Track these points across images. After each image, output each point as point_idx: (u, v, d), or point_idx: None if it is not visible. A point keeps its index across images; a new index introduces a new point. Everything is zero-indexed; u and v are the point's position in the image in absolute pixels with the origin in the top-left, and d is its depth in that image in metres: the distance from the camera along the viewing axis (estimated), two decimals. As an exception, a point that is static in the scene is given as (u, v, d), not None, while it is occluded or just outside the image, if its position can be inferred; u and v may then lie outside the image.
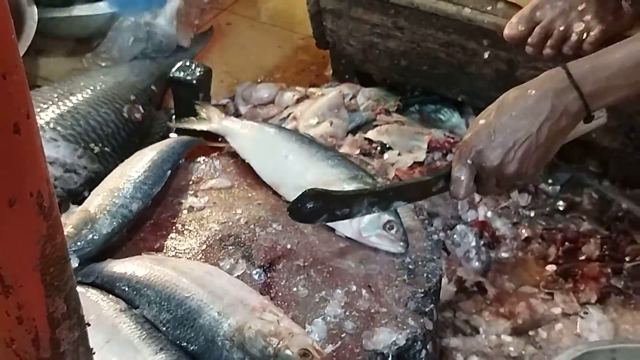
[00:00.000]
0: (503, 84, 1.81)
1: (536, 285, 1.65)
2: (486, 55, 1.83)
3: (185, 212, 1.44)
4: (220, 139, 2.02)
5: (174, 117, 2.06)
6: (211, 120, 1.72)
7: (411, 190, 1.35)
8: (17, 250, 0.71)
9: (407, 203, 1.37)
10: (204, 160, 1.60)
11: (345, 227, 1.35)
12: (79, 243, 1.32)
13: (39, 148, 0.69)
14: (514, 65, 1.81)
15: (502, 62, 1.83)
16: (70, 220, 1.36)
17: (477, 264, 1.68)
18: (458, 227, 1.72)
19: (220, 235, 1.36)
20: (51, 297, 0.76)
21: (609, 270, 1.65)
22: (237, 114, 2.13)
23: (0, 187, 0.66)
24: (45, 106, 1.82)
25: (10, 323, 0.75)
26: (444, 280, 1.54)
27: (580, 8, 1.54)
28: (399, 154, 1.89)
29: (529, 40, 1.57)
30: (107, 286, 1.27)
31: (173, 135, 1.98)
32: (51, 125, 1.76)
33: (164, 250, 1.35)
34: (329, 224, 1.36)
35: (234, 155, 1.61)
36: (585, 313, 1.58)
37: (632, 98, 1.27)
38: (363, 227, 1.34)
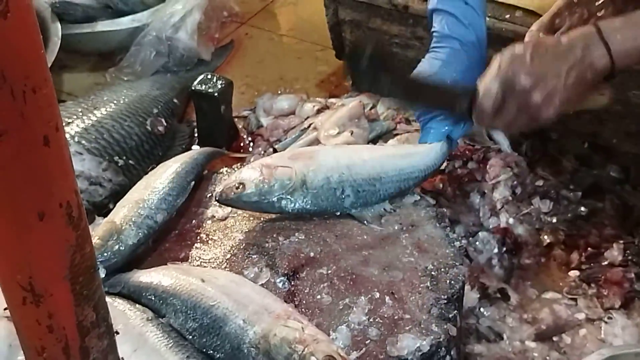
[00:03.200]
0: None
1: (559, 291, 1.65)
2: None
3: (209, 222, 1.45)
4: (242, 150, 2.04)
5: (196, 129, 2.08)
6: None
7: (439, 95, 1.43)
8: (47, 261, 0.72)
9: (428, 105, 1.47)
10: (226, 171, 1.61)
11: None
12: (105, 254, 1.34)
13: (68, 160, 0.70)
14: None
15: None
16: (96, 232, 1.37)
17: (499, 270, 1.67)
18: (480, 234, 1.71)
19: (244, 245, 1.37)
20: (80, 306, 0.77)
21: (632, 275, 1.64)
22: (259, 125, 2.15)
23: (31, 199, 0.67)
24: (70, 120, 1.84)
25: (41, 332, 0.76)
26: (467, 287, 1.54)
27: (599, 14, 1.55)
28: (421, 162, 1.89)
29: None
30: (134, 296, 1.28)
31: (195, 147, 2.00)
32: (76, 139, 1.78)
33: (189, 260, 1.36)
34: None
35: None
36: (610, 318, 1.57)
37: None
38: None
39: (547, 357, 1.50)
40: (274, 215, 1.43)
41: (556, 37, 1.34)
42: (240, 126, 2.13)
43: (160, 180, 1.49)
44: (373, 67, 1.35)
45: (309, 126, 2.03)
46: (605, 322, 1.56)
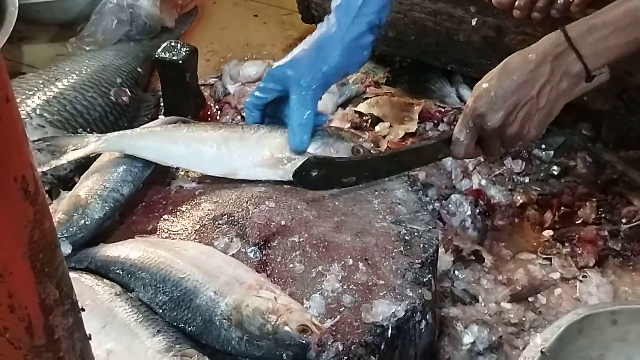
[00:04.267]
0: (492, 51, 1.82)
1: (533, 251, 1.65)
2: (474, 23, 1.82)
3: (176, 193, 1.43)
4: (209, 119, 2.01)
5: (161, 98, 2.04)
6: (87, 144, 1.47)
7: (416, 155, 1.42)
8: (5, 238, 0.69)
9: (411, 169, 1.45)
10: (193, 140, 1.57)
11: None
12: (70, 229, 1.31)
13: (21, 132, 0.67)
14: (503, 31, 1.80)
15: (490, 28, 1.82)
16: (61, 207, 1.34)
17: (473, 232, 1.67)
18: (453, 196, 1.71)
19: (213, 215, 1.35)
20: (42, 284, 0.75)
21: (606, 233, 1.65)
22: (226, 93, 2.12)
23: (-17, 174, 0.64)
24: (31, 93, 1.81)
25: (2, 311, 0.73)
26: (441, 250, 1.54)
27: None
28: (390, 126, 1.88)
29: (516, 4, 1.55)
30: (102, 271, 1.26)
31: (161, 117, 1.97)
32: (37, 112, 1.75)
33: (157, 233, 1.33)
34: None
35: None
36: (584, 277, 1.58)
37: (631, 55, 1.28)
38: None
39: (523, 318, 1.50)
40: (243, 185, 1.41)
41: (524, 52, 1.30)
42: (206, 94, 2.10)
43: (124, 152, 1.45)
44: (327, 181, 1.36)
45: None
46: (580, 281, 1.57)
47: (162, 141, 1.43)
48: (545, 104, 1.29)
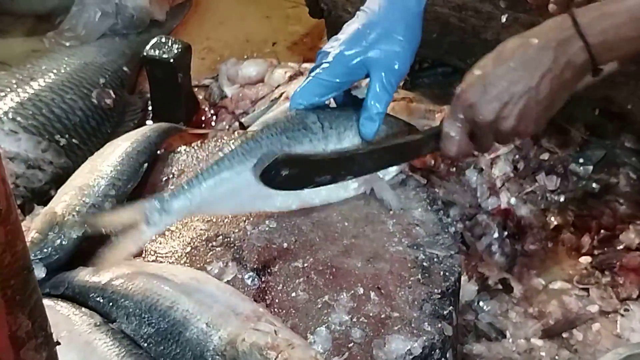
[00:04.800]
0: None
1: (569, 280, 1.65)
2: (504, 19, 1.82)
3: (165, 210, 1.43)
4: (203, 125, 2.03)
5: (150, 101, 2.05)
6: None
7: (400, 151, 1.39)
8: (-28, 262, 0.70)
9: (397, 165, 1.42)
10: (185, 150, 1.58)
11: None
12: (45, 250, 1.32)
13: (-8, 143, 0.68)
14: (536, 29, 1.80)
15: (522, 26, 1.82)
16: (34, 224, 1.35)
17: (501, 258, 1.67)
18: (478, 216, 1.71)
19: (206, 235, 1.35)
20: (13, 314, 0.75)
21: (652, 260, 1.65)
22: (223, 96, 2.13)
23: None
24: (3, 94, 1.82)
25: (-33, 346, 0.74)
26: (464, 278, 1.54)
27: None
28: (408, 136, 1.88)
29: None
30: (80, 298, 1.26)
31: (149, 122, 1.98)
32: (10, 115, 1.76)
33: (143, 255, 1.34)
34: None
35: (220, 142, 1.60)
36: (626, 310, 1.57)
37: None
38: None
39: (556, 357, 1.50)
40: (240, 202, 1.42)
41: (524, 35, 1.29)
42: (200, 97, 2.11)
43: (107, 163, 1.46)
44: (298, 180, 1.33)
45: (280, 96, 2.01)
46: (622, 315, 1.57)
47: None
48: (545, 95, 1.27)
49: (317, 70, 1.36)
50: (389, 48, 1.35)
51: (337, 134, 1.35)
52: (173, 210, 1.26)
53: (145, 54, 1.96)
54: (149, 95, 2.07)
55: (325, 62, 1.36)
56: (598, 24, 1.24)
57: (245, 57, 2.24)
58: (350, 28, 1.38)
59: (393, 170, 1.42)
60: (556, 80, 1.26)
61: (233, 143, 1.32)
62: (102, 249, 1.27)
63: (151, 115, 2.04)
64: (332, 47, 1.36)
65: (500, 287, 1.61)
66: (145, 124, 1.96)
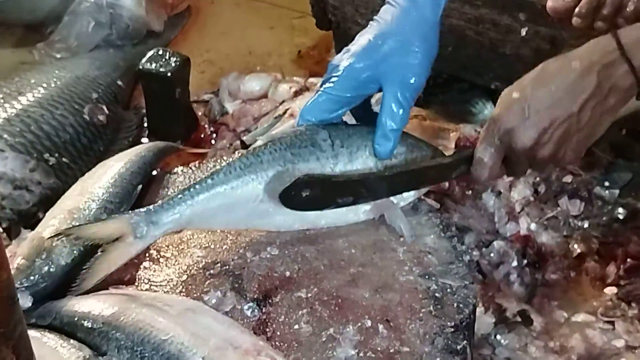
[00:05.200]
0: (546, 67, 1.83)
1: (593, 312, 1.65)
2: (524, 33, 1.83)
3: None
4: (202, 143, 2.03)
5: (145, 118, 2.06)
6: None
7: (427, 174, 1.41)
8: (-48, 293, 0.71)
9: (422, 188, 1.44)
10: (182, 170, 1.59)
11: None
12: (32, 277, 1.32)
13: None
14: (558, 43, 1.81)
15: (543, 39, 1.83)
16: (21, 249, 1.35)
17: (520, 288, 1.67)
18: (495, 243, 1.71)
19: (203, 263, 1.35)
20: (-4, 348, 0.76)
21: (682, 291, 1.65)
22: (224, 112, 2.14)
23: None
24: (-11, 109, 1.83)
25: (-53, 382, 0.75)
26: (479, 309, 1.54)
27: None
28: (421, 156, 1.89)
29: (577, 11, 1.56)
30: (68, 329, 1.26)
31: (145, 140, 1.99)
32: (-4, 132, 1.77)
33: (136, 283, 1.34)
34: None
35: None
36: (655, 345, 1.58)
37: None
38: None
39: (579, 395, 1.51)
40: (240, 227, 1.42)
41: (566, 57, 1.30)
42: (200, 113, 2.12)
43: (99, 184, 1.47)
44: (319, 202, 1.35)
45: (284, 112, 2.02)
46: (650, 350, 1.57)
47: None
48: (587, 122, 1.28)
49: (327, 85, 1.37)
50: (403, 60, 1.36)
51: (349, 153, 1.36)
52: (162, 223, 1.28)
53: (140, 67, 1.97)
54: (144, 111, 2.08)
55: (334, 76, 1.36)
56: None
57: (248, 70, 2.25)
58: (362, 39, 1.38)
59: (410, 195, 1.42)
60: (599, 106, 1.28)
61: (231, 157, 1.33)
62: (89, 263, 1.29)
63: (147, 132, 2.05)
64: (342, 59, 1.36)
65: (519, 319, 1.61)
66: (140, 142, 1.97)
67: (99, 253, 1.27)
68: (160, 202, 1.31)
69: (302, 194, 1.31)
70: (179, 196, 1.29)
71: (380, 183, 1.37)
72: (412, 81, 1.36)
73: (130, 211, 1.30)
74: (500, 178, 1.49)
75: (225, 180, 1.31)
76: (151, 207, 1.29)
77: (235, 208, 1.32)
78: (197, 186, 1.30)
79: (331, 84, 1.36)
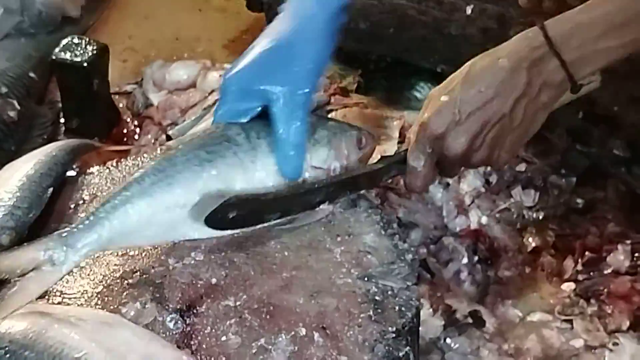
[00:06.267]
0: (493, 47, 1.84)
1: (550, 311, 1.66)
2: (469, 11, 1.84)
3: (74, 242, 1.42)
4: (125, 139, 2.02)
5: (61, 113, 2.04)
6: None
7: (359, 183, 1.43)
8: None
9: (355, 194, 1.46)
10: (98, 170, 1.58)
11: None
12: None
13: None
14: (506, 22, 1.82)
15: (490, 18, 1.84)
16: None
17: (470, 287, 1.68)
18: (444, 239, 1.72)
19: (121, 272, 1.34)
20: None
21: (644, 285, 1.66)
22: (148, 104, 2.12)
23: None
24: None
25: None
26: (427, 311, 1.55)
27: None
28: (362, 147, 1.89)
29: None
30: (-29, 349, 1.25)
31: (61, 138, 1.97)
32: None
33: (47, 297, 1.32)
34: None
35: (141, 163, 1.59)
36: (615, 344, 1.59)
37: (623, 58, 1.31)
38: None
39: (536, 400, 1.52)
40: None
41: (492, 54, 1.32)
42: (121, 106, 2.10)
43: (5, 188, 1.45)
44: (245, 221, 1.36)
45: (214, 103, 2.01)
46: (610, 350, 1.58)
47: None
48: (520, 122, 1.31)
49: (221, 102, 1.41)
50: (287, 70, 1.38)
51: (267, 144, 1.37)
52: (80, 246, 1.25)
53: (54, 57, 1.95)
54: (60, 105, 2.05)
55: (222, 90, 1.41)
56: (572, 38, 1.28)
57: (174, 58, 2.24)
58: (248, 53, 1.41)
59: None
60: (532, 104, 1.30)
61: (144, 164, 1.32)
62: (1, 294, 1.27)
63: (63, 129, 2.03)
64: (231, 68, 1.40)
65: (470, 320, 1.62)
66: (57, 140, 1.94)
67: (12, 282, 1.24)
68: (74, 224, 1.29)
69: (228, 215, 1.31)
70: (94, 213, 1.28)
71: (309, 195, 1.39)
72: (299, 92, 1.37)
73: (42, 238, 1.26)
74: (434, 181, 1.51)
75: (141, 190, 1.29)
76: (65, 230, 1.27)
77: (157, 219, 1.31)
78: (112, 200, 1.29)
79: (224, 97, 1.41)
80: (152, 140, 2.01)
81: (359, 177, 1.42)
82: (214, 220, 1.31)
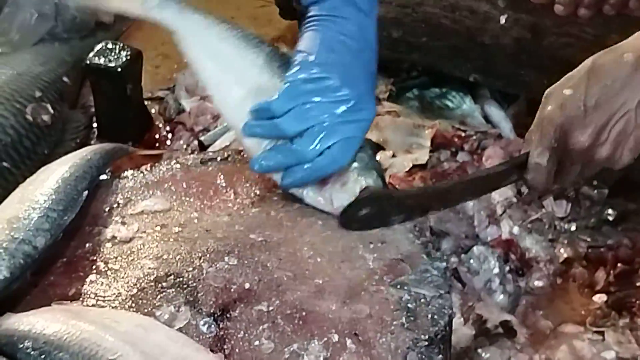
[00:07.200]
0: (526, 57, 1.85)
1: (581, 322, 1.66)
2: (503, 20, 1.84)
3: (108, 245, 1.43)
4: (157, 145, 2.03)
5: (94, 117, 2.05)
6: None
7: (480, 185, 1.44)
8: None
9: (475, 199, 1.55)
10: (132, 174, 1.59)
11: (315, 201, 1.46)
12: (-33, 293, 1.31)
13: None
14: (540, 31, 1.82)
15: (523, 28, 1.84)
16: (-46, 263, 1.35)
17: (502, 297, 1.68)
18: (475, 249, 1.72)
19: (155, 275, 1.34)
20: None
21: (678, 298, 1.66)
22: (180, 110, 2.13)
23: None
24: None
25: None
26: (458, 321, 1.54)
27: None
28: (394, 155, 1.89)
29: None
30: (7, 349, 1.25)
31: (94, 142, 1.98)
32: None
33: (82, 299, 1.33)
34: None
35: (173, 168, 1.60)
36: (647, 357, 1.58)
37: None
38: (336, 195, 1.43)
39: (567, 411, 1.51)
40: (195, 235, 1.41)
41: (616, 49, 1.31)
42: (154, 112, 2.11)
43: (41, 191, 1.45)
44: (373, 221, 1.42)
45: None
46: (642, 362, 1.58)
47: None
48: None
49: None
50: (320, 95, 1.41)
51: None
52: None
53: (88, 62, 1.96)
54: (93, 110, 2.06)
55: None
56: None
57: (207, 64, 2.24)
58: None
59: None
60: None
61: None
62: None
63: (96, 133, 2.04)
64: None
65: (501, 331, 1.61)
66: (89, 144, 1.95)
67: None
68: None
69: (361, 211, 1.40)
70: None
71: (433, 198, 1.45)
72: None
73: None
74: (551, 188, 1.51)
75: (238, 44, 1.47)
76: None
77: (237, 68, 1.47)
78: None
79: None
80: (184, 146, 2.02)
81: (481, 179, 1.44)
82: (350, 214, 1.40)
